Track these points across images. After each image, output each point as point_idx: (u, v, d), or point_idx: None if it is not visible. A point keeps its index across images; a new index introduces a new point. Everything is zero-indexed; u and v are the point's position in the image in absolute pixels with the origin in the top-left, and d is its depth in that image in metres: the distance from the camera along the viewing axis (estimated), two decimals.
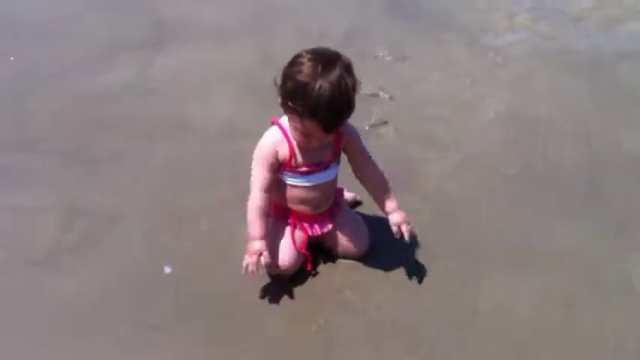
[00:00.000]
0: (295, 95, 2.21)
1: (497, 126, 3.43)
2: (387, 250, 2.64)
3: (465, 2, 4.46)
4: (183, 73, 3.63)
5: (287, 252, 2.53)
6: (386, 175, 2.54)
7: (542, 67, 3.83)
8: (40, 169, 3.03)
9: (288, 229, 2.57)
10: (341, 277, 2.57)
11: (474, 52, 3.95)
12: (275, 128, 2.44)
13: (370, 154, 2.56)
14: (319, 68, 2.18)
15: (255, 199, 2.43)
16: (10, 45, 3.83)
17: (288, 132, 2.40)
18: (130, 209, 2.82)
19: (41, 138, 3.21)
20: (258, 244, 2.38)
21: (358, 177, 2.59)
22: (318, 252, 2.65)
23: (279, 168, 2.45)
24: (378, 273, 2.58)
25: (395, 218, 2.50)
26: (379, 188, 2.55)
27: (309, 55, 2.22)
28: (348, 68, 2.22)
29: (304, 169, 2.44)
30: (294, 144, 2.39)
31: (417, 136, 3.35)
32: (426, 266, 2.61)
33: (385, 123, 3.41)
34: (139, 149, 3.16)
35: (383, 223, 2.55)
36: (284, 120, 2.41)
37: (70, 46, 3.84)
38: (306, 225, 2.59)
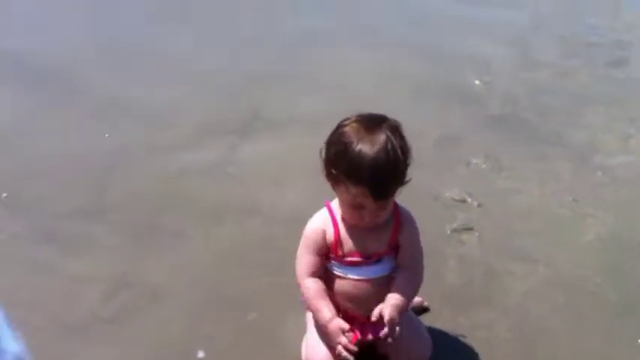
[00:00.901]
0: (337, 160, 2.05)
1: (596, 248, 3.09)
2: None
3: (576, 120, 4.18)
4: (262, 159, 3.61)
5: (332, 355, 2.25)
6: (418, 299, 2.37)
7: None
8: (102, 239, 3.03)
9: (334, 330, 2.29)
10: None
11: (579, 170, 3.65)
12: (324, 210, 2.25)
13: (420, 259, 2.27)
14: (362, 130, 2.03)
15: (308, 285, 2.22)
16: (108, 124, 3.94)
17: (337, 215, 2.20)
18: (176, 288, 2.73)
19: (112, 209, 3.23)
20: (336, 322, 2.14)
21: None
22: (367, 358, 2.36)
23: (326, 254, 2.23)
24: None
25: (386, 310, 2.13)
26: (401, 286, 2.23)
27: (352, 119, 2.09)
28: (395, 130, 2.05)
29: (352, 259, 2.21)
30: (342, 228, 2.19)
31: (504, 248, 3.06)
32: None
33: (470, 229, 3.15)
34: (202, 230, 3.09)
35: (449, 335, 2.34)
36: (334, 202, 2.23)
37: (162, 128, 3.92)
38: (355, 326, 2.31)
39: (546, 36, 5.42)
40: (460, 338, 2.34)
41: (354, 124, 2.07)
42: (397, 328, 2.12)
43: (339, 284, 2.25)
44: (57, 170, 3.49)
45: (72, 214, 3.15)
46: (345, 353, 2.09)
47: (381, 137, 2.01)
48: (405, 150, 2.06)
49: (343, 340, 2.10)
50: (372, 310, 2.26)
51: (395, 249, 2.26)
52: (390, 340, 2.13)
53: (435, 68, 4.76)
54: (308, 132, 3.63)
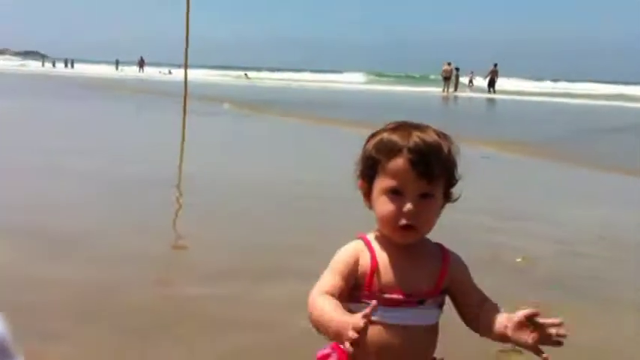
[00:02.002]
0: (377, 146, 1.83)
1: None
2: None
3: None
4: None
5: None
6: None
7: None
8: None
9: None
10: None
11: None
12: (355, 241, 1.94)
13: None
14: (405, 126, 1.85)
15: (320, 302, 1.81)
16: None
17: (373, 243, 1.89)
18: None
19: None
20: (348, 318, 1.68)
21: (476, 326, 1.87)
22: None
23: (355, 291, 1.87)
24: None
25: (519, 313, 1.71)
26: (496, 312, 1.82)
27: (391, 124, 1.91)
28: (441, 133, 1.86)
29: (391, 296, 1.82)
30: (380, 257, 1.86)
31: None
32: None
33: (519, 352, 2.64)
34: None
35: None
36: (369, 235, 1.93)
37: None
38: None
39: None
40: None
41: (394, 125, 1.87)
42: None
43: (369, 333, 1.84)
44: None
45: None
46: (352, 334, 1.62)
47: (431, 131, 1.84)
48: (451, 150, 1.84)
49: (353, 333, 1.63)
50: None
51: (442, 293, 1.88)
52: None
53: None
54: None
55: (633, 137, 12.78)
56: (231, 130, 11.48)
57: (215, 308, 2.97)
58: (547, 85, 61.37)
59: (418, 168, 1.77)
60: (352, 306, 1.83)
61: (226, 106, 16.34)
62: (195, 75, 36.56)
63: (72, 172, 6.33)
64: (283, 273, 3.52)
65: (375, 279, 1.82)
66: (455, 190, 1.88)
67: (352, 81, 53.22)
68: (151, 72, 60.83)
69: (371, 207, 1.89)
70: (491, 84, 41.56)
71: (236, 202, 5.48)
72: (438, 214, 1.85)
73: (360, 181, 1.89)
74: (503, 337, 1.78)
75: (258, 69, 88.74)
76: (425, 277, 1.84)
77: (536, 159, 9.19)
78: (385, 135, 1.83)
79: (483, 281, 2.76)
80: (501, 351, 2.67)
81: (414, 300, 1.81)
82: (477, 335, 2.69)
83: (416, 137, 1.79)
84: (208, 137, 10.56)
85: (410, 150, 1.78)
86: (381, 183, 1.82)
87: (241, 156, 8.38)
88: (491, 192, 6.69)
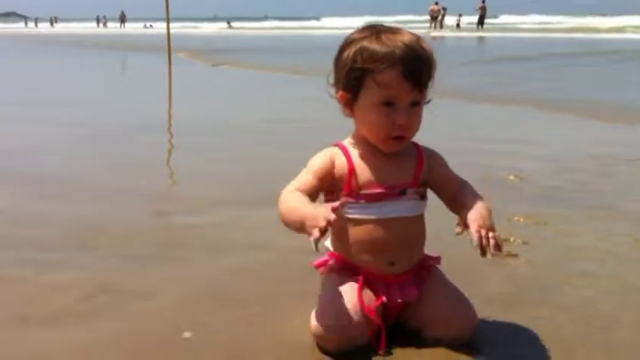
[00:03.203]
0: (360, 54, 1.86)
1: None
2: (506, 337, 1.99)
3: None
4: None
5: (349, 311, 1.84)
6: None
7: None
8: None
9: (354, 286, 1.89)
10: None
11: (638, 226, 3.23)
12: (329, 147, 1.99)
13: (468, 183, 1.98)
14: (382, 32, 1.88)
15: (284, 193, 1.91)
16: None
17: (348, 146, 1.95)
18: (164, 288, 2.43)
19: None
20: (317, 210, 1.74)
21: (457, 209, 1.98)
22: (397, 332, 1.95)
23: (334, 195, 1.92)
24: None
25: (473, 215, 1.84)
26: (473, 194, 1.97)
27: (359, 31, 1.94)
28: (415, 34, 1.90)
29: (370, 191, 1.88)
30: (356, 157, 1.93)
31: (557, 267, 2.63)
32: None
33: (515, 255, 2.73)
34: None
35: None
36: (345, 142, 1.98)
37: None
38: (379, 287, 1.92)
39: None
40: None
41: (368, 31, 1.90)
42: (493, 239, 1.83)
43: (354, 232, 1.92)
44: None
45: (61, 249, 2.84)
46: (316, 235, 1.68)
47: (405, 32, 1.88)
48: (429, 46, 1.89)
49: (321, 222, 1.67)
50: (397, 263, 1.91)
51: (421, 184, 1.96)
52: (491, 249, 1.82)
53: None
54: None
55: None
56: (188, 78, 11.40)
57: (209, 234, 3.02)
58: (534, 20, 60.97)
59: (411, 79, 1.80)
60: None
61: (181, 55, 16.13)
62: (177, 27, 36.23)
63: (61, 122, 6.36)
64: (272, 200, 3.54)
65: (353, 179, 1.89)
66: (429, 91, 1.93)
67: (335, 26, 52.66)
68: (133, 26, 59.93)
69: (352, 116, 1.93)
70: (481, 21, 41.16)
71: (222, 140, 5.51)
72: (422, 117, 1.91)
73: (340, 92, 1.91)
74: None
75: (257, 19, 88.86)
76: (402, 171, 1.93)
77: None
78: (366, 44, 1.84)
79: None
80: (494, 255, 2.71)
81: (395, 192, 1.89)
82: (470, 250, 2.77)
83: (402, 45, 1.81)
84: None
85: (402, 61, 1.79)
86: (371, 94, 1.84)
87: (206, 101, 8.34)
88: (472, 120, 6.74)
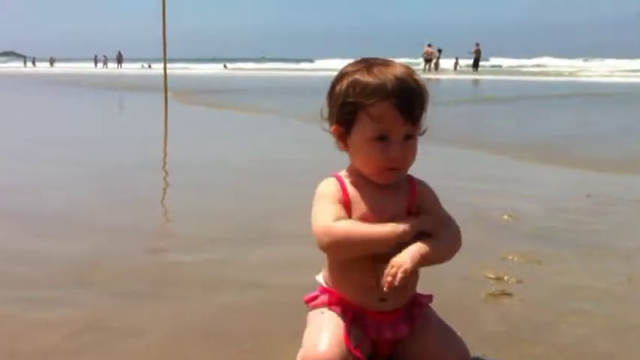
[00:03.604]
0: (353, 87, 1.86)
1: None
2: None
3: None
4: None
5: (335, 350, 1.82)
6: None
7: None
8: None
9: (340, 324, 1.89)
10: None
11: (629, 260, 3.23)
12: (329, 177, 1.99)
13: (452, 219, 1.97)
14: (374, 65, 1.88)
15: (338, 225, 1.84)
16: None
17: (344, 178, 1.95)
18: (155, 326, 2.31)
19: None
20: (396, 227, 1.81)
21: None
22: None
23: None
24: None
25: (401, 255, 1.81)
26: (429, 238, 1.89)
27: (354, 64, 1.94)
28: (406, 66, 1.91)
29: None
30: (351, 189, 1.92)
31: (550, 305, 2.62)
32: None
33: (509, 295, 2.72)
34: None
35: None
36: (341, 173, 1.99)
37: None
38: (369, 324, 1.91)
39: None
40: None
41: (362, 64, 1.91)
42: (401, 276, 1.76)
43: (348, 265, 1.90)
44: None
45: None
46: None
47: (397, 65, 1.89)
48: (421, 79, 1.90)
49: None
50: (389, 300, 1.90)
51: (412, 213, 1.95)
52: (390, 286, 1.77)
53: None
54: None
55: None
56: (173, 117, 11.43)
57: (204, 272, 3.00)
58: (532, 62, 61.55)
59: (404, 112, 1.81)
60: None
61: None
62: (174, 68, 36.58)
63: (59, 161, 6.35)
64: (269, 238, 3.56)
65: (348, 211, 1.88)
66: (423, 122, 1.93)
67: (329, 67, 53.10)
68: (131, 66, 60.43)
69: (346, 150, 1.93)
70: (475, 63, 41.65)
71: (218, 179, 5.52)
72: (417, 149, 1.91)
73: (334, 126, 1.92)
74: None
75: (258, 60, 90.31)
76: (397, 203, 1.92)
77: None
78: (358, 77, 1.85)
79: (471, 237, 2.84)
80: (491, 294, 2.71)
81: None
82: (466, 279, 2.78)
83: (394, 78, 1.82)
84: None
85: (394, 94, 1.80)
86: (365, 128, 1.84)
87: (200, 141, 8.38)
88: (467, 161, 6.75)
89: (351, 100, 1.84)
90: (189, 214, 4.21)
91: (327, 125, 1.96)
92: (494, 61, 65.28)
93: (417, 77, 1.88)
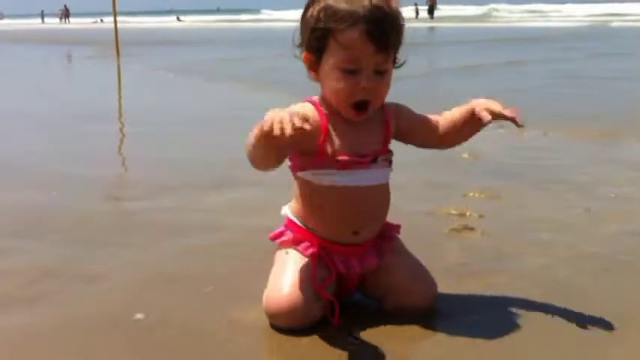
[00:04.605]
0: (325, 13, 1.74)
1: (621, 235, 2.65)
2: (463, 305, 1.99)
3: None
4: None
5: (300, 290, 1.78)
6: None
7: None
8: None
9: (307, 262, 1.84)
10: (393, 343, 1.77)
11: (587, 194, 3.24)
12: (303, 103, 1.87)
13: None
14: None
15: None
16: None
17: (322, 108, 1.84)
18: (114, 271, 2.34)
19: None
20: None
21: (437, 143, 1.99)
22: (356, 304, 1.94)
23: (308, 157, 1.81)
24: (454, 341, 1.78)
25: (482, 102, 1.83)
26: (453, 116, 1.92)
27: None
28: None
29: (343, 158, 1.80)
30: (330, 124, 1.82)
31: (514, 237, 2.62)
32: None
33: (471, 229, 2.71)
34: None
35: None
36: (316, 99, 1.88)
37: None
38: (337, 259, 1.85)
39: None
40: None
41: None
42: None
43: (321, 198, 1.83)
44: None
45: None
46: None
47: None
48: (398, 6, 1.79)
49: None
50: (361, 231, 1.85)
51: (389, 150, 1.90)
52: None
53: None
54: None
55: None
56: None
57: (161, 217, 2.93)
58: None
59: (375, 41, 1.70)
60: (306, 172, 1.82)
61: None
62: (126, 22, 35.57)
63: (7, 113, 6.19)
64: (224, 183, 3.49)
65: (326, 144, 1.80)
66: (400, 55, 1.85)
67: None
68: (82, 21, 58.63)
69: (317, 79, 1.84)
70: (431, 11, 41.49)
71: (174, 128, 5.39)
72: (389, 85, 1.82)
73: (305, 53, 1.82)
74: (475, 125, 1.88)
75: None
76: (373, 138, 1.85)
77: None
78: (330, 1, 1.73)
79: (434, 175, 2.80)
80: (453, 229, 2.70)
81: (367, 160, 1.81)
82: (431, 216, 2.74)
83: (368, 4, 1.71)
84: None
85: (366, 20, 1.69)
86: (334, 57, 1.74)
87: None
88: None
89: (321, 25, 1.74)
90: (146, 162, 4.10)
91: (298, 52, 1.84)
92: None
93: (394, 5, 1.76)
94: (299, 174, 1.85)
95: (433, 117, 1.95)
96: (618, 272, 2.27)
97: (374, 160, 1.83)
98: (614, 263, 2.35)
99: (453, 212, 2.93)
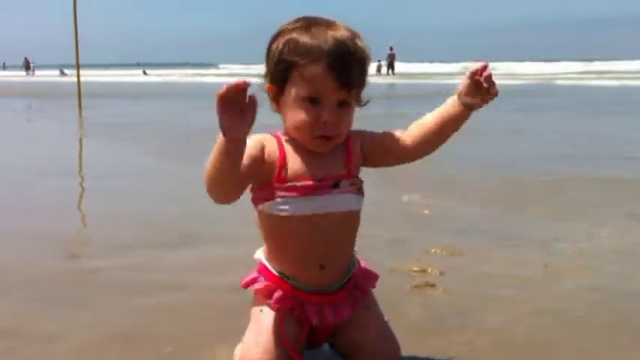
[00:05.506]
0: (289, 45, 1.75)
1: (579, 290, 2.70)
2: None
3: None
4: None
5: (268, 348, 1.76)
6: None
7: None
8: None
9: (274, 316, 1.82)
10: None
11: (546, 250, 3.31)
12: (264, 134, 1.85)
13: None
14: (314, 24, 1.77)
15: None
16: None
17: (281, 136, 1.84)
18: (72, 330, 2.29)
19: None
20: None
21: (423, 147, 1.90)
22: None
23: (266, 188, 1.78)
24: None
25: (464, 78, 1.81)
26: (422, 119, 1.89)
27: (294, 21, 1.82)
28: (351, 29, 1.79)
29: (302, 183, 1.77)
30: (288, 148, 1.81)
31: (474, 294, 2.65)
32: None
33: (432, 285, 2.73)
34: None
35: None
36: (278, 132, 1.87)
37: None
38: (310, 309, 1.83)
39: None
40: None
41: (302, 22, 1.78)
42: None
43: (284, 230, 1.79)
44: None
45: None
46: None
47: (341, 27, 1.77)
48: (365, 44, 1.78)
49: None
50: (328, 271, 1.83)
51: (352, 171, 1.85)
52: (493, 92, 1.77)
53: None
54: None
55: None
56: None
57: (120, 276, 2.88)
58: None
59: (338, 77, 1.70)
60: (267, 204, 1.78)
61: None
62: (89, 75, 35.38)
63: None
64: (187, 240, 3.47)
65: (283, 171, 1.77)
66: (363, 94, 1.84)
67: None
68: (48, 73, 58.15)
69: (279, 111, 1.83)
70: (391, 67, 42.28)
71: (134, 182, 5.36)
72: (352, 120, 1.81)
73: (268, 85, 1.81)
74: (458, 116, 1.82)
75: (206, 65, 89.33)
76: (334, 162, 1.82)
77: None
78: (295, 35, 1.75)
79: (397, 232, 2.83)
80: (414, 286, 2.72)
81: (327, 184, 1.78)
82: (392, 272, 2.75)
83: (332, 39, 1.71)
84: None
85: (329, 55, 1.69)
86: (296, 90, 1.73)
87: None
88: None
89: (284, 57, 1.74)
90: (106, 218, 4.05)
91: (264, 83, 1.84)
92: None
93: (359, 42, 1.76)
94: (260, 207, 1.81)
95: (397, 130, 1.90)
96: (575, 327, 2.30)
97: (335, 185, 1.79)
98: (572, 319, 2.38)
99: (415, 269, 2.95)
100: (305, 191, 1.77)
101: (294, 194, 1.77)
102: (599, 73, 35.53)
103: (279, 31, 1.81)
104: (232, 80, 1.51)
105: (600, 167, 5.84)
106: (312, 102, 1.73)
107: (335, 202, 1.79)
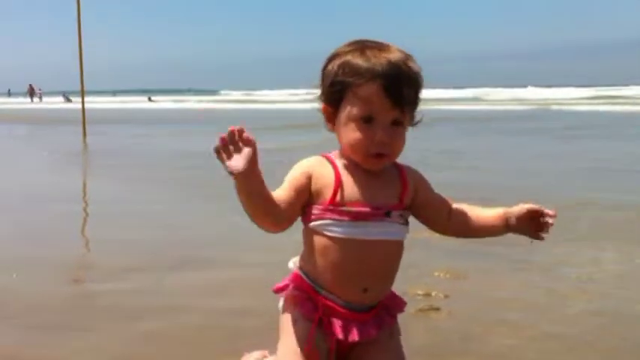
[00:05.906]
0: (344, 67, 1.77)
1: (584, 315, 2.68)
2: None
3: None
4: None
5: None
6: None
7: None
8: None
9: (307, 327, 1.80)
10: None
11: (550, 274, 3.31)
12: (318, 156, 1.87)
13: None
14: (368, 47, 1.80)
15: None
16: None
17: (335, 159, 1.84)
18: None
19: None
20: None
21: (443, 228, 1.94)
22: None
23: (318, 207, 1.79)
24: None
25: (525, 207, 1.87)
26: (473, 209, 1.93)
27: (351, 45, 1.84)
28: (404, 51, 1.82)
29: (356, 209, 1.77)
30: (343, 171, 1.81)
31: (479, 318, 2.63)
32: None
33: (437, 309, 2.72)
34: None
35: None
36: (333, 154, 1.88)
37: None
38: (336, 323, 1.81)
39: None
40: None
41: (357, 45, 1.81)
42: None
43: (333, 252, 1.78)
44: None
45: None
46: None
47: (394, 49, 1.81)
48: (418, 66, 1.81)
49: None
50: (370, 293, 1.82)
51: (406, 208, 1.86)
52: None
53: None
54: None
55: None
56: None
57: (123, 300, 2.89)
58: None
59: (391, 96, 1.73)
60: (317, 223, 1.78)
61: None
62: (94, 102, 35.58)
63: None
64: (190, 263, 3.47)
65: (339, 194, 1.78)
66: (417, 113, 1.86)
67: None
68: (52, 100, 58.37)
69: (334, 130, 1.85)
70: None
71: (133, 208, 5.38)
72: (405, 139, 1.83)
73: (323, 105, 1.85)
74: (497, 229, 1.90)
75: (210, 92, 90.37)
76: (388, 191, 1.83)
77: None
78: (349, 57, 1.78)
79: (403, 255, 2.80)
80: (419, 310, 2.71)
81: (380, 212, 1.79)
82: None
83: (386, 60, 1.75)
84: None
85: (383, 76, 1.73)
86: (351, 109, 1.77)
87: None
88: None
89: (339, 79, 1.77)
90: (107, 243, 4.05)
91: (319, 104, 1.86)
92: None
93: (411, 63, 1.79)
94: (310, 225, 1.81)
95: (449, 201, 1.94)
96: (581, 352, 2.29)
97: (387, 214, 1.80)
98: (577, 343, 2.37)
99: (420, 292, 2.95)
100: (357, 216, 1.78)
101: (346, 218, 1.77)
102: (609, 98, 35.62)
103: (334, 54, 1.84)
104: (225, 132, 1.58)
105: (608, 192, 5.84)
106: (366, 121, 1.75)
107: (384, 230, 1.80)
